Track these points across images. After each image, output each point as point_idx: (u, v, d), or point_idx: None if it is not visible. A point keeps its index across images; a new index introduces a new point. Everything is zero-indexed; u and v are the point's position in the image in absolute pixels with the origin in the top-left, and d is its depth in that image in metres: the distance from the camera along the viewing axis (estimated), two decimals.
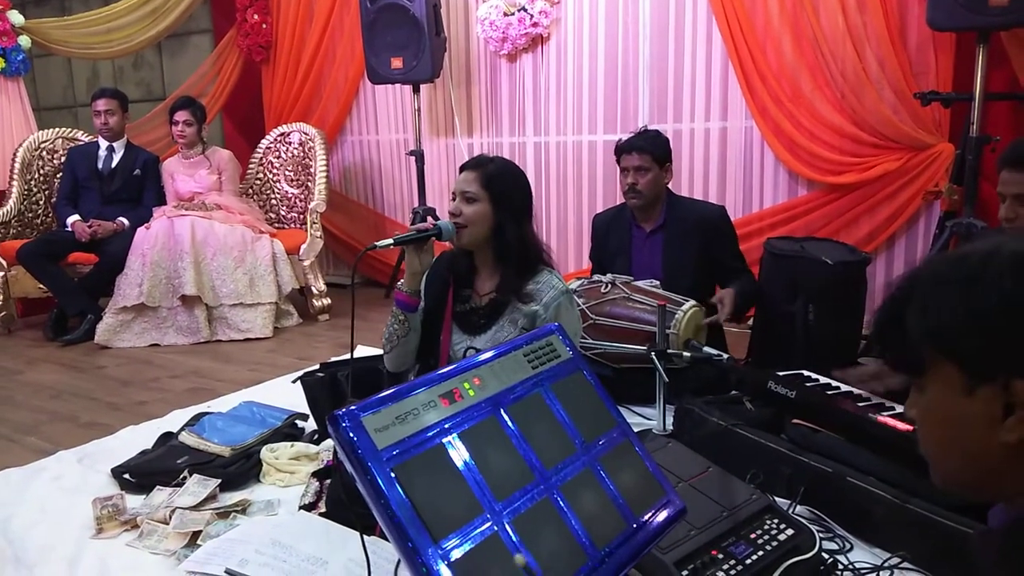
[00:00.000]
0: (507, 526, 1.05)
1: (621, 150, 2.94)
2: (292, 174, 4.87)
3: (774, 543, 1.61)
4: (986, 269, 0.75)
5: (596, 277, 2.90)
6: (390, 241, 2.05)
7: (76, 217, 4.27)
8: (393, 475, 0.99)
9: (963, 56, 3.21)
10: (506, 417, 1.16)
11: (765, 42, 3.66)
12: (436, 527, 0.98)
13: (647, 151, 2.87)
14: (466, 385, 1.15)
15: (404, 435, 1.03)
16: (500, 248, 2.13)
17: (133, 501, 2.11)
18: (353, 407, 1.01)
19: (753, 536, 1.62)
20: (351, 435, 0.97)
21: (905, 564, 1.67)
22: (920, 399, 0.83)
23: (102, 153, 4.46)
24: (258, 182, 4.96)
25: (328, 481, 2.07)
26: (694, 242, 2.88)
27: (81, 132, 4.88)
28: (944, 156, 3.31)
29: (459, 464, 1.06)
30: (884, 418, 1.96)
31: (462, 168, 2.17)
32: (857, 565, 1.69)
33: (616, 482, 1.24)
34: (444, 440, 1.07)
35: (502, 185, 2.11)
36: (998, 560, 0.79)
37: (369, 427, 1.00)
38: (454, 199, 2.13)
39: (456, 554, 0.98)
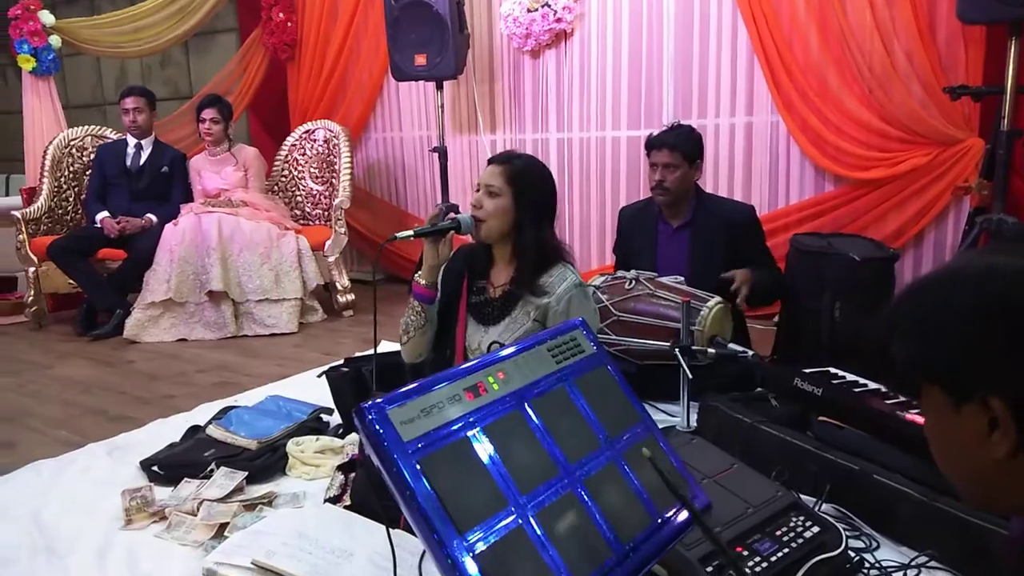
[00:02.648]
0: (531, 519, 1.05)
1: (651, 145, 2.92)
2: (317, 171, 4.90)
3: (799, 540, 1.60)
4: (952, 291, 0.77)
5: (620, 273, 2.89)
6: (410, 233, 2.07)
7: (105, 214, 4.34)
8: (419, 467, 0.99)
9: (994, 49, 3.15)
10: (530, 411, 1.16)
11: (791, 36, 3.63)
12: (461, 519, 0.99)
13: (677, 148, 2.84)
14: (490, 379, 1.16)
15: (429, 428, 1.04)
16: (518, 244, 2.15)
17: (161, 493, 2.14)
18: (379, 400, 1.02)
19: (778, 533, 1.60)
20: (377, 427, 0.98)
21: (933, 563, 1.65)
22: (925, 421, 0.85)
23: (130, 150, 4.52)
24: (284, 179, 5.00)
25: (353, 475, 2.09)
26: (721, 240, 2.85)
27: (110, 130, 4.94)
28: (974, 151, 3.27)
29: (484, 457, 1.07)
30: (912, 415, 1.94)
31: (489, 161, 2.18)
32: (884, 564, 1.67)
33: (640, 477, 1.23)
34: (469, 433, 1.08)
35: (526, 182, 2.12)
36: (1018, 567, 0.80)
37: (395, 420, 1.01)
38: (478, 190, 2.14)
39: (481, 546, 0.99)
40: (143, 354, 3.81)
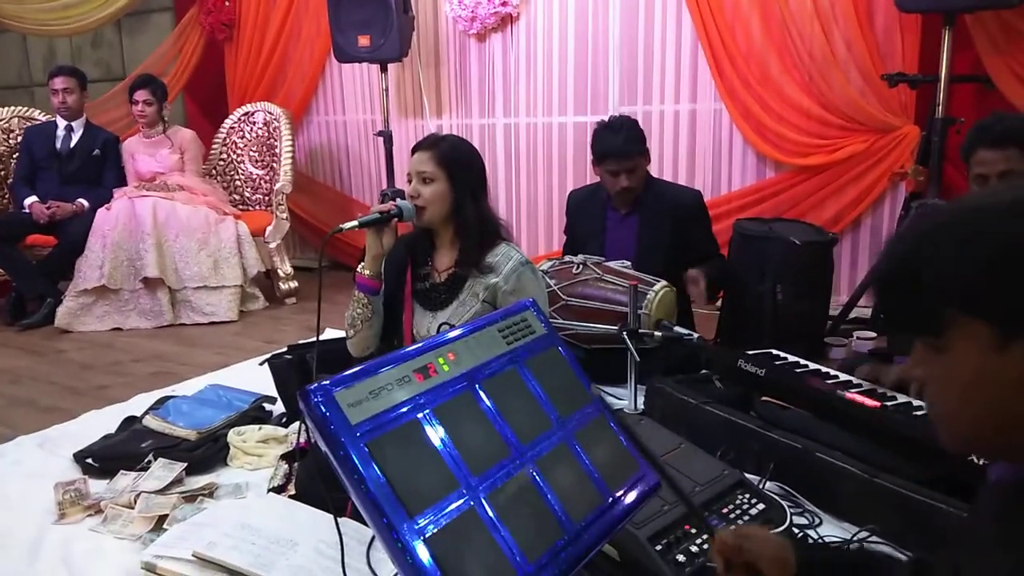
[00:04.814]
0: (483, 501, 1.03)
1: (607, 155, 2.82)
2: (257, 155, 4.78)
3: (746, 517, 1.62)
4: (1014, 220, 0.72)
5: (568, 258, 2.89)
6: (355, 223, 2.04)
7: (34, 198, 4.16)
8: (367, 450, 0.97)
9: (929, 39, 3.24)
10: (481, 392, 1.14)
11: (734, 23, 3.67)
12: (412, 503, 0.97)
13: (635, 152, 2.81)
14: (440, 360, 1.13)
15: (378, 410, 1.01)
16: (460, 224, 2.14)
17: (96, 486, 2.07)
18: (325, 382, 0.99)
19: (725, 511, 1.63)
20: (324, 410, 0.95)
21: (874, 538, 1.69)
22: (936, 359, 0.79)
23: (60, 133, 4.34)
24: (222, 163, 4.87)
25: (297, 464, 2.05)
26: (668, 225, 2.86)
27: (38, 111, 4.74)
28: (910, 138, 3.36)
29: (434, 439, 1.04)
30: (852, 395, 1.98)
31: (415, 149, 2.17)
32: (826, 539, 1.71)
33: (591, 457, 1.23)
34: (419, 415, 1.05)
35: (457, 162, 2.11)
36: (1005, 510, 0.79)
37: (342, 402, 0.98)
38: (410, 181, 2.12)
39: (432, 530, 0.96)
40: (75, 344, 3.67)
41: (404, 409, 1.04)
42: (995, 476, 0.84)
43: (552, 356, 1.32)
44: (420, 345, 1.14)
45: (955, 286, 0.75)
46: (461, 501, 1.01)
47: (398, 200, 2.10)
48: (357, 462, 0.95)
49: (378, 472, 0.96)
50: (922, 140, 3.24)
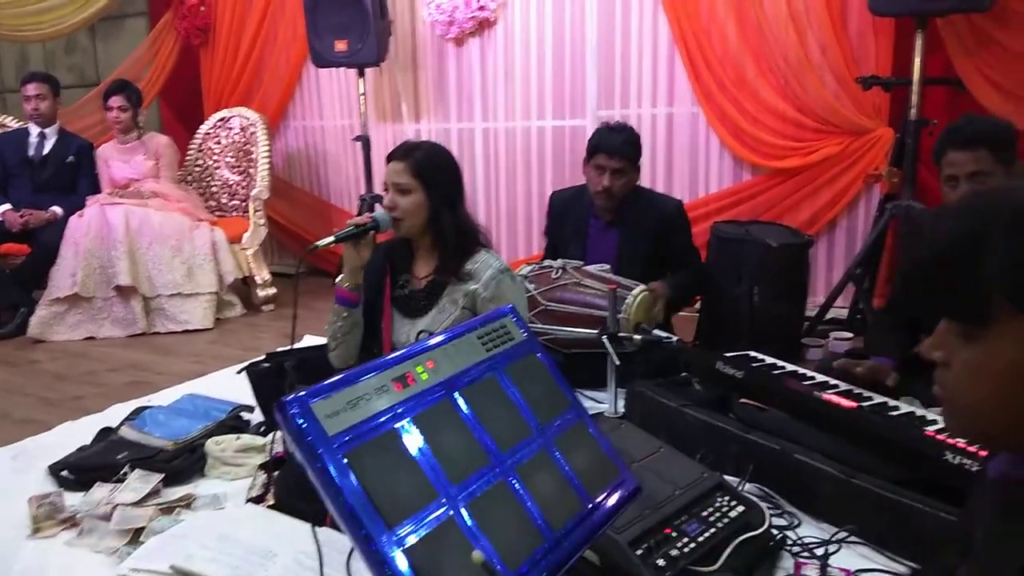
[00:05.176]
0: (463, 510, 1.03)
1: (599, 147, 2.82)
2: (233, 160, 4.75)
3: (725, 520, 1.63)
4: None
5: (547, 263, 2.89)
6: (330, 239, 2.02)
7: (7, 206, 4.10)
8: (345, 461, 0.96)
9: (902, 42, 3.28)
10: (460, 400, 1.14)
11: (710, 27, 3.69)
12: (390, 513, 0.96)
13: (627, 154, 2.80)
14: (419, 369, 1.13)
15: (356, 420, 1.01)
16: (438, 233, 2.14)
17: (72, 499, 2.03)
18: (302, 393, 0.98)
19: (705, 514, 1.63)
20: (300, 422, 0.94)
21: (852, 538, 1.71)
22: (965, 346, 0.78)
23: (33, 140, 4.28)
24: (197, 169, 4.82)
25: (276, 473, 2.03)
26: (649, 237, 2.86)
27: (11, 118, 4.67)
28: (884, 140, 3.39)
29: (413, 449, 1.04)
30: (828, 396, 2.00)
31: (389, 157, 2.15)
32: (805, 540, 1.72)
33: (571, 463, 1.23)
34: (397, 425, 1.05)
35: (433, 171, 2.11)
36: (1006, 506, 0.79)
37: (319, 413, 0.97)
38: (386, 191, 2.11)
39: (411, 540, 0.96)
40: (49, 354, 3.62)
41: (382, 419, 1.04)
42: (995, 472, 0.84)
43: (531, 362, 1.32)
44: (399, 354, 1.14)
45: (1012, 281, 0.73)
46: (440, 511, 1.01)
47: (375, 211, 2.10)
48: (334, 473, 0.94)
49: (356, 483, 0.96)
50: (896, 142, 3.27)
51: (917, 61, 3.06)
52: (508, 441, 1.16)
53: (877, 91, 3.34)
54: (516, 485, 1.11)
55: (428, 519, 0.99)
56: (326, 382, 1.03)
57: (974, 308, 0.77)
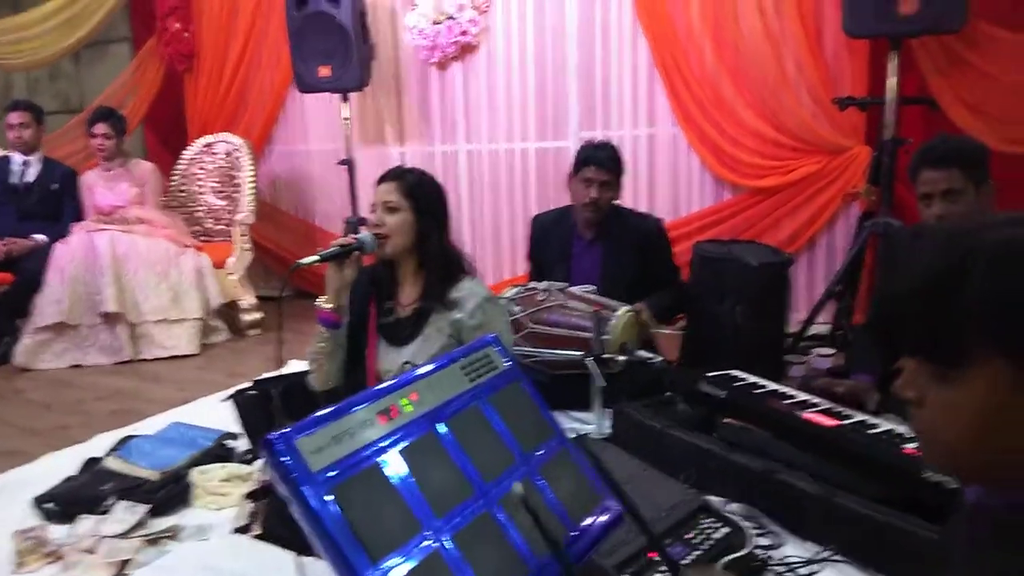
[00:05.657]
0: (447, 542, 1.04)
1: (587, 161, 2.89)
2: (218, 185, 4.75)
3: (709, 542, 1.64)
4: None
5: (532, 285, 2.91)
6: (316, 258, 2.04)
7: None
8: (330, 497, 0.97)
9: (877, 61, 3.34)
10: (444, 432, 1.16)
11: (688, 49, 3.75)
12: (375, 548, 0.97)
13: (613, 168, 2.88)
14: (403, 401, 1.14)
15: (340, 455, 1.02)
16: (424, 257, 2.15)
17: (57, 531, 2.02)
18: (287, 429, 0.99)
19: (689, 536, 1.65)
20: (283, 459, 0.96)
21: (836, 556, 1.72)
22: (938, 386, 0.78)
23: (16, 168, 4.28)
24: (182, 194, 4.83)
25: (266, 501, 2.03)
26: (631, 253, 2.92)
27: None
28: (861, 158, 3.45)
29: (397, 482, 1.05)
30: (809, 415, 2.02)
31: (380, 180, 2.17)
32: (789, 560, 1.73)
33: (555, 491, 1.24)
34: (382, 458, 1.06)
35: (423, 194, 2.13)
36: (992, 536, 0.80)
37: (303, 450, 0.98)
38: (374, 211, 2.13)
39: (397, 573, 0.97)
40: (34, 383, 3.60)
41: (367, 453, 1.05)
42: (973, 498, 0.85)
43: (515, 391, 1.33)
44: (383, 386, 1.15)
45: (989, 322, 0.73)
46: (425, 543, 1.02)
47: (359, 232, 2.11)
48: (317, 510, 0.96)
49: (340, 518, 0.97)
50: (873, 160, 3.33)
51: (891, 81, 3.12)
52: (492, 471, 1.17)
53: (853, 110, 3.39)
54: (500, 516, 1.12)
55: (413, 552, 1.00)
56: (311, 417, 1.04)
57: (948, 349, 0.76)
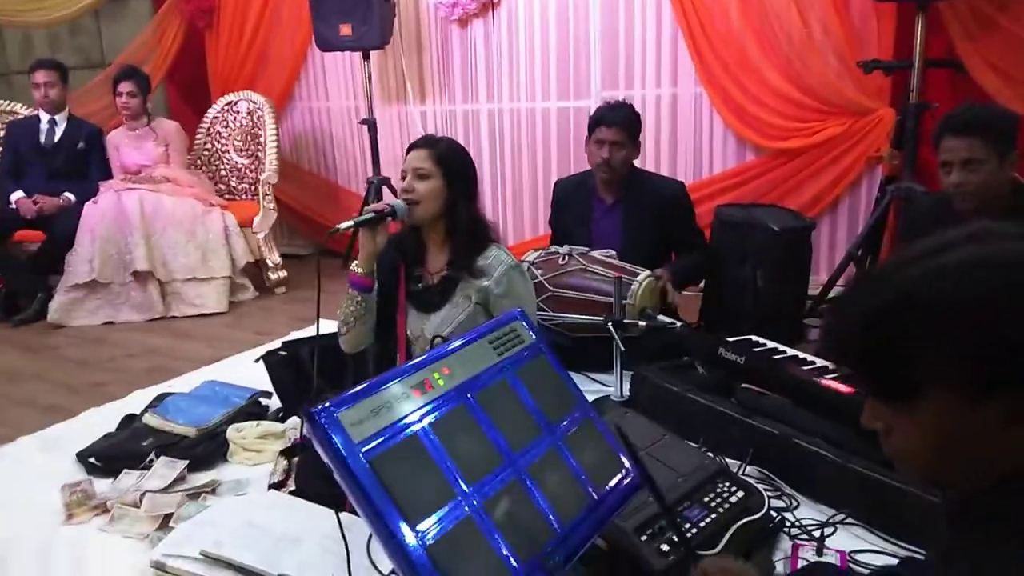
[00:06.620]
0: (479, 508, 1.11)
1: (598, 122, 2.92)
2: (241, 144, 4.79)
3: (726, 505, 1.71)
4: (995, 293, 0.74)
5: (553, 249, 2.95)
6: (350, 223, 2.08)
7: (20, 194, 4.17)
8: (370, 466, 1.04)
9: (904, 23, 3.29)
10: (475, 404, 1.22)
11: (713, 8, 3.70)
12: (412, 514, 1.04)
13: (624, 127, 2.89)
14: (436, 375, 1.20)
15: (379, 427, 1.08)
16: (452, 224, 2.18)
17: (101, 485, 2.13)
18: (328, 404, 1.06)
19: (706, 499, 1.71)
20: (328, 432, 1.02)
21: (848, 520, 1.79)
22: (899, 416, 0.83)
23: (44, 127, 4.34)
24: (206, 153, 4.88)
25: (296, 459, 2.11)
26: (652, 217, 2.94)
27: (20, 105, 4.72)
28: (886, 121, 3.42)
29: (432, 452, 1.12)
30: (828, 381, 2.07)
31: (411, 147, 2.20)
32: (803, 522, 1.80)
33: (579, 459, 1.31)
34: (417, 430, 1.12)
35: (454, 162, 2.16)
36: (949, 528, 0.86)
37: (345, 422, 1.05)
38: (404, 178, 2.16)
39: (432, 538, 1.04)
40: (69, 339, 3.71)
41: (404, 425, 1.11)
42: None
43: (541, 364, 1.39)
44: (417, 361, 1.21)
45: (925, 358, 0.77)
46: (459, 510, 1.09)
47: (383, 192, 2.14)
48: (361, 478, 1.02)
49: (380, 486, 1.04)
50: (897, 123, 3.31)
51: (918, 44, 3.08)
52: (520, 441, 1.23)
53: (879, 72, 3.35)
54: (528, 484, 1.19)
55: (447, 518, 1.07)
56: (351, 391, 1.10)
57: (895, 386, 0.81)
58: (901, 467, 0.89)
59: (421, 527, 1.04)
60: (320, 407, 1.04)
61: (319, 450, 1.05)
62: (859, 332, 0.82)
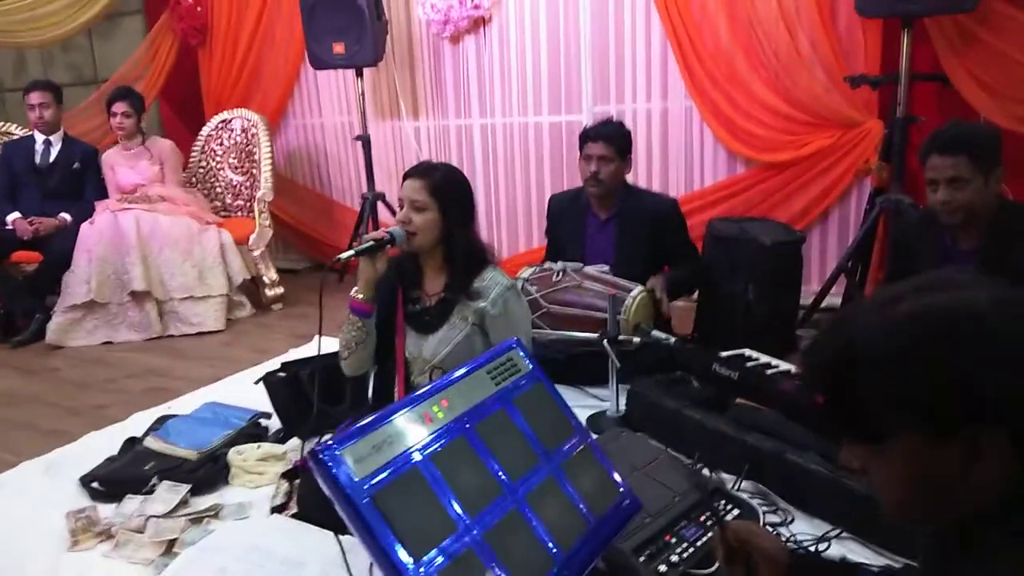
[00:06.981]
0: (480, 540, 1.14)
1: (586, 137, 2.99)
2: (236, 161, 4.82)
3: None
4: (946, 336, 0.78)
5: (547, 265, 2.99)
6: (351, 253, 2.12)
7: (16, 215, 4.18)
8: (373, 502, 1.07)
9: (890, 37, 3.33)
10: (474, 435, 1.25)
11: (702, 24, 3.75)
12: (415, 547, 1.08)
13: (612, 142, 2.94)
14: (435, 408, 1.24)
15: (382, 463, 1.12)
16: (449, 251, 2.23)
17: (105, 510, 2.15)
18: (331, 442, 1.09)
19: (702, 518, 1.74)
20: (333, 472, 1.05)
21: (844, 534, 1.82)
22: (872, 456, 0.87)
23: (39, 147, 4.36)
24: (201, 170, 4.90)
25: (297, 481, 2.14)
26: (645, 233, 2.98)
27: (15, 126, 4.74)
28: (874, 133, 3.45)
29: (433, 485, 1.15)
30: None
31: (407, 175, 2.23)
32: (798, 537, 1.83)
33: (577, 486, 1.34)
34: (418, 463, 1.16)
35: (449, 193, 2.19)
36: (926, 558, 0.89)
37: (348, 460, 1.08)
38: (401, 207, 2.20)
39: (435, 570, 1.07)
40: (68, 360, 3.73)
41: (404, 459, 1.15)
42: None
43: (538, 391, 1.43)
44: (417, 394, 1.25)
45: (889, 409, 0.81)
46: (460, 542, 1.12)
47: (390, 226, 2.19)
48: (365, 515, 1.06)
49: (383, 521, 1.07)
50: (885, 136, 3.35)
51: (904, 59, 3.13)
52: (518, 470, 1.27)
53: (866, 86, 3.40)
54: (527, 513, 1.22)
55: (449, 551, 1.10)
56: (353, 427, 1.13)
57: (863, 430, 0.86)
58: (881, 505, 0.92)
59: (424, 560, 1.07)
60: (324, 446, 1.08)
61: (323, 487, 1.08)
62: (820, 381, 0.87)
